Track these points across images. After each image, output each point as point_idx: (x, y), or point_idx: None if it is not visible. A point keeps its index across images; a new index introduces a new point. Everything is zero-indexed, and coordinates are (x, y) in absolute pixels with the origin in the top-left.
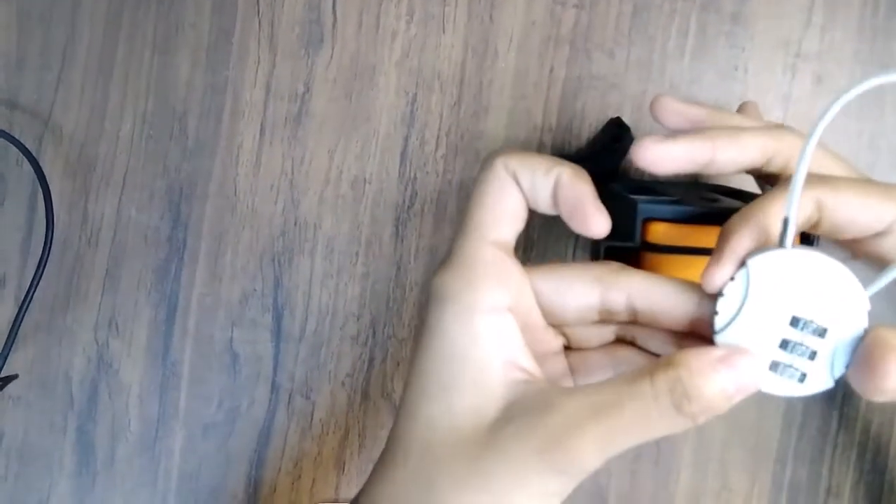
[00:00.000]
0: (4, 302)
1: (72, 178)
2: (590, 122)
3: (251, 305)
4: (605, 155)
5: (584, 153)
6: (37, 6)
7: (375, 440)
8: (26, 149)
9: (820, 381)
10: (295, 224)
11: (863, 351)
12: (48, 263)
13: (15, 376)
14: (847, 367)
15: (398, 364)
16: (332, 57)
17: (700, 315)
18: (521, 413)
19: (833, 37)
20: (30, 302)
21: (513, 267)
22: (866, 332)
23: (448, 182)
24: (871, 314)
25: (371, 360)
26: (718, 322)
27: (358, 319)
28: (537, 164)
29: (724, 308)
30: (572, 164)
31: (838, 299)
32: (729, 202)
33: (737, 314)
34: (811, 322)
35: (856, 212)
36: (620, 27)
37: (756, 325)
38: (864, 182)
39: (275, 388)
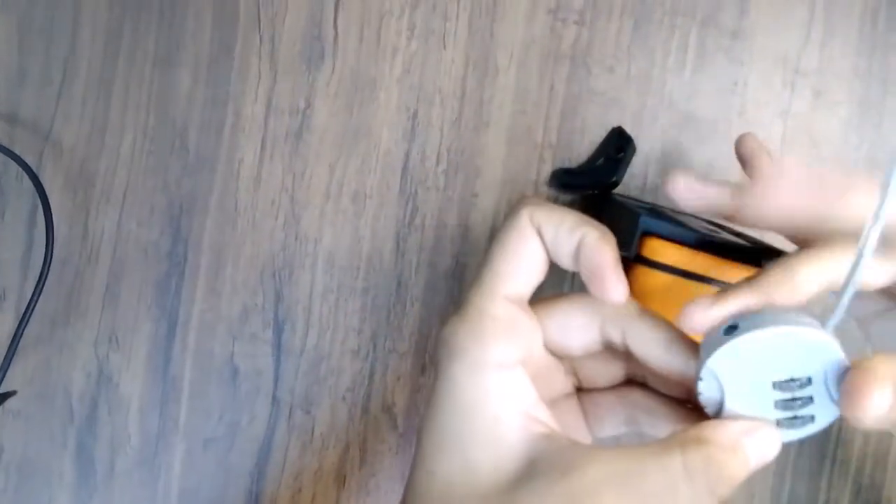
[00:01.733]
0: (4, 316)
1: (72, 193)
2: (590, 138)
3: (252, 320)
4: (607, 166)
5: (587, 165)
6: (37, 20)
7: (376, 454)
8: (26, 164)
9: (827, 414)
10: (296, 239)
11: (848, 382)
12: (48, 278)
13: (13, 392)
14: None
15: (398, 378)
16: (333, 72)
17: (686, 373)
18: (542, 472)
19: (832, 52)
20: (30, 316)
21: (524, 319)
22: (852, 360)
23: (448, 197)
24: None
25: (371, 374)
26: (710, 411)
27: (358, 334)
28: (563, 219)
29: (708, 401)
30: (599, 225)
31: (804, 350)
32: (727, 237)
33: (721, 405)
34: (792, 381)
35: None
36: (620, 43)
37: (745, 406)
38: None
39: (275, 402)
